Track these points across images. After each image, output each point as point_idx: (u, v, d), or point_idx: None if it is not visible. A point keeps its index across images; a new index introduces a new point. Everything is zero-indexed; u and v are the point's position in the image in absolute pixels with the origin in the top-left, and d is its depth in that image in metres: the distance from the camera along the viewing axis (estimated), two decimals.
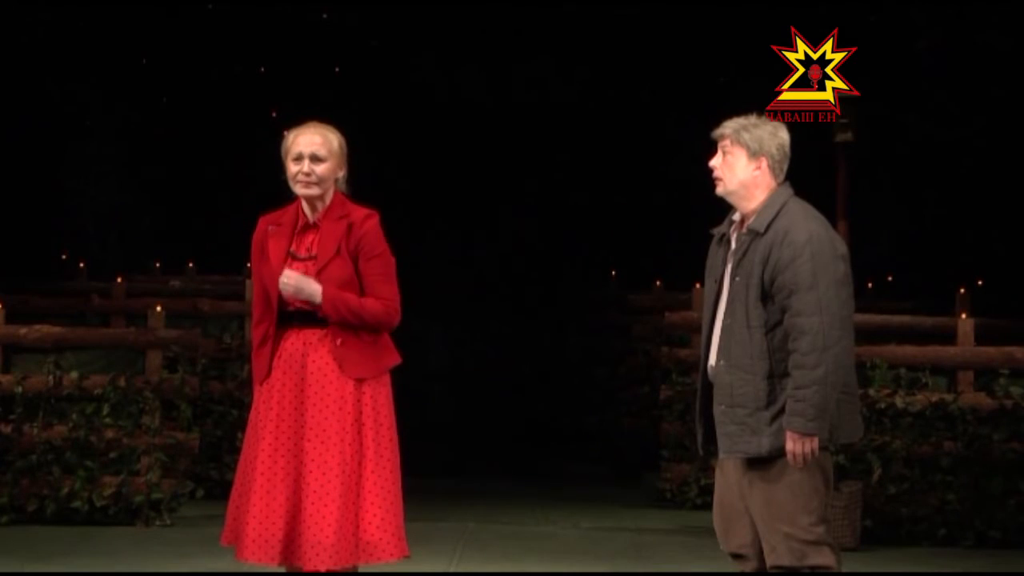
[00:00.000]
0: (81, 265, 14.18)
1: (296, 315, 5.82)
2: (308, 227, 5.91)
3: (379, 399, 5.80)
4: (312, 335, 5.79)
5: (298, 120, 6.11)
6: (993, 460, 9.84)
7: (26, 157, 14.45)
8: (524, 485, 12.52)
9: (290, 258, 5.86)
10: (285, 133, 6.01)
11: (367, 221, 5.89)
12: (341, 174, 5.95)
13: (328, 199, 5.91)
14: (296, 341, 5.80)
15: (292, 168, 5.88)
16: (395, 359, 5.92)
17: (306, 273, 5.79)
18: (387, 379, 5.89)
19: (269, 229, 5.92)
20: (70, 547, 9.19)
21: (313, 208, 5.91)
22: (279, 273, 5.81)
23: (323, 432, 5.71)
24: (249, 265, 11.88)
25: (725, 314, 5.69)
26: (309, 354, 5.78)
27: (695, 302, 11.45)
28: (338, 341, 5.76)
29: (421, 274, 16.25)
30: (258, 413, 5.82)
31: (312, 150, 5.87)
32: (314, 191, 5.86)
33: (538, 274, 16.25)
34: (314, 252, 5.84)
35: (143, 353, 10.35)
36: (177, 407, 10.27)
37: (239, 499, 5.80)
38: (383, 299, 5.83)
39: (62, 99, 14.82)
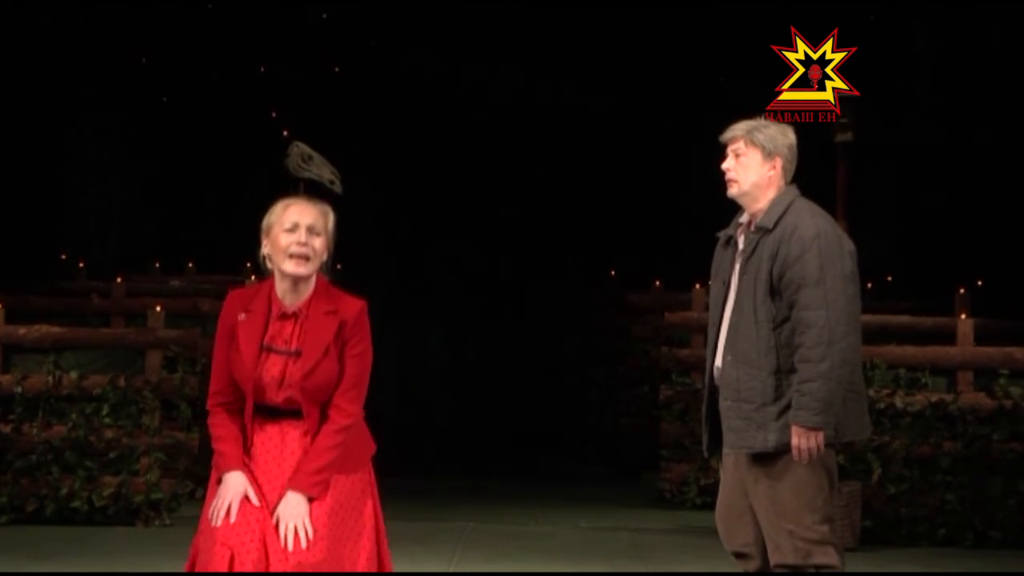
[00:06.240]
0: (81, 265, 14.18)
1: (273, 409, 5.25)
2: (286, 316, 5.22)
3: (356, 488, 5.26)
4: (288, 424, 5.23)
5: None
6: (993, 460, 9.85)
7: (26, 157, 14.45)
8: (524, 485, 12.52)
9: (265, 351, 5.19)
10: (261, 220, 5.30)
11: (360, 317, 5.24)
12: (326, 256, 5.26)
13: (312, 284, 5.22)
14: (273, 427, 5.25)
15: (283, 240, 5.16)
16: (370, 449, 5.38)
17: (285, 370, 5.16)
18: (369, 468, 5.36)
19: (240, 317, 5.23)
20: (70, 547, 9.20)
21: (295, 293, 5.22)
22: (252, 368, 5.16)
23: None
24: (249, 277, 11.80)
25: (732, 311, 5.69)
26: (288, 443, 5.23)
27: (695, 302, 11.46)
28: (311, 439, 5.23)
29: (421, 274, 16.37)
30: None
31: (310, 221, 5.18)
32: (308, 269, 5.17)
33: (538, 274, 16.25)
34: (295, 347, 5.18)
35: (143, 353, 10.35)
36: (177, 407, 10.28)
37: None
38: (344, 412, 5.19)
39: (62, 98, 14.82)
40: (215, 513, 5.10)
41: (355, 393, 5.22)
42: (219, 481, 5.18)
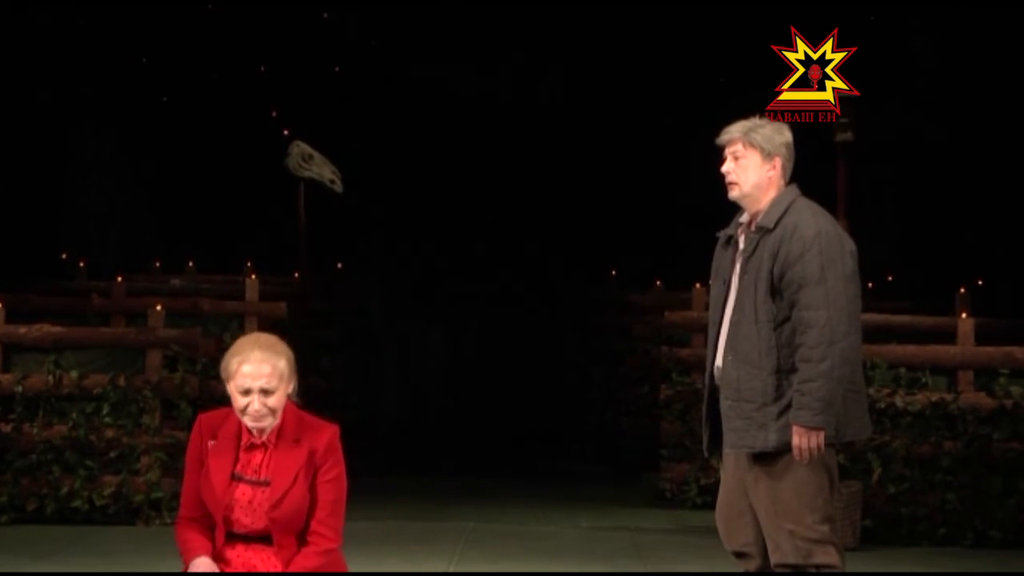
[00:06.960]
0: (81, 265, 14.18)
1: (244, 536, 5.26)
2: (255, 446, 5.21)
3: None
4: (261, 549, 5.23)
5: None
6: (993, 460, 9.84)
7: (26, 157, 14.45)
8: (524, 485, 12.52)
9: (235, 480, 5.20)
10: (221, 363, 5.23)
11: (331, 443, 5.20)
12: (291, 388, 5.21)
13: (280, 414, 5.19)
14: (246, 551, 5.26)
15: (239, 401, 5.13)
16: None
17: (253, 500, 5.18)
18: None
19: (209, 444, 5.24)
20: (70, 546, 9.20)
21: (261, 428, 5.20)
22: (223, 497, 5.19)
23: None
24: (250, 276, 11.73)
25: (733, 310, 5.69)
26: (258, 565, 5.23)
27: (695, 302, 11.46)
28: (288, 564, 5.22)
29: (421, 274, 16.37)
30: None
31: (262, 383, 5.11)
32: (266, 423, 5.15)
33: (538, 274, 16.26)
34: (264, 477, 5.17)
35: (143, 352, 10.35)
36: (177, 406, 10.28)
37: None
38: (326, 537, 5.18)
39: (62, 99, 14.82)
40: None
41: (334, 519, 5.20)
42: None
